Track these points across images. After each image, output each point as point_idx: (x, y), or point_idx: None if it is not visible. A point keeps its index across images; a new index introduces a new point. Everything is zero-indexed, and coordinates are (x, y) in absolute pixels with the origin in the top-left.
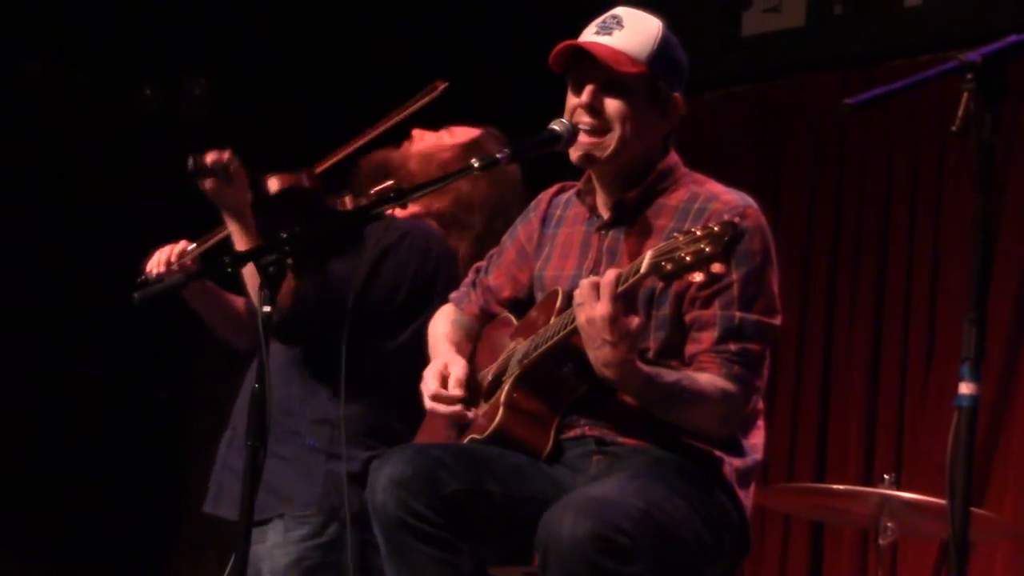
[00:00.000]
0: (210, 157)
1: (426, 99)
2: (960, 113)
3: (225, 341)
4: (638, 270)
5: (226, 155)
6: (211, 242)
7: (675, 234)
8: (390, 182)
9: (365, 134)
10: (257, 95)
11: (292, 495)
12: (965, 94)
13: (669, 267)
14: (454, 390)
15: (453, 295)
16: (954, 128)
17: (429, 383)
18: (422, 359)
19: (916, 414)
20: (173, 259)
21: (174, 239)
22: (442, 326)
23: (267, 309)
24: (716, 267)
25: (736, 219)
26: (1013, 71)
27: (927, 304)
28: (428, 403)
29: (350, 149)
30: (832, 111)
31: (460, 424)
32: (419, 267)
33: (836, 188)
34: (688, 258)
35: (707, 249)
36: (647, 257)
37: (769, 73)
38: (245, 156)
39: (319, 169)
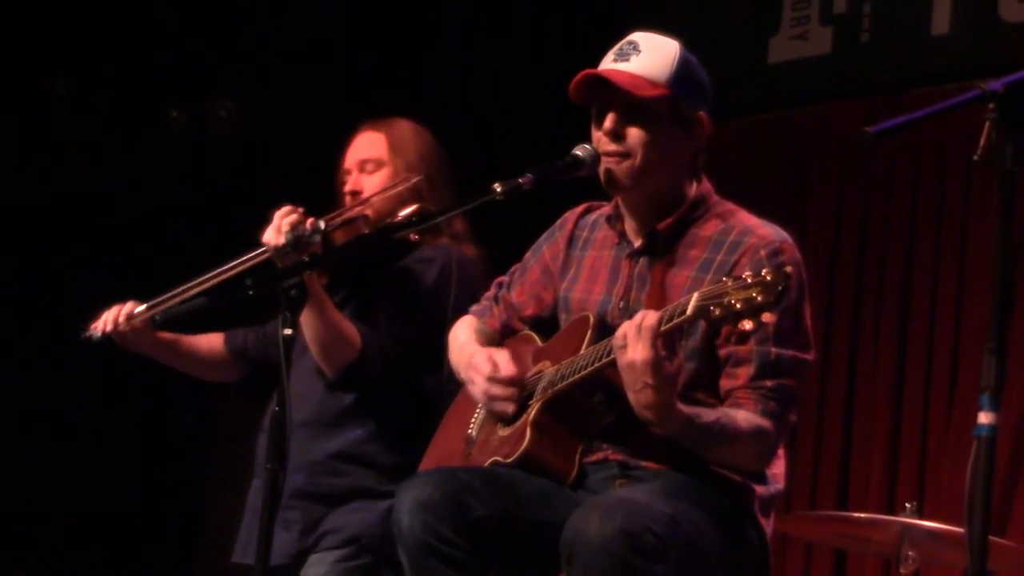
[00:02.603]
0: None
1: (399, 188)
2: (982, 142)
3: (211, 381)
4: (684, 312)
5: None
6: (160, 304)
7: (724, 278)
8: (414, 206)
9: (356, 205)
10: (284, 117)
11: (335, 528)
12: (987, 123)
13: (717, 312)
14: (508, 370)
15: (474, 308)
16: (977, 157)
17: (483, 366)
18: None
19: (939, 443)
20: (121, 319)
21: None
22: (464, 334)
23: (288, 332)
24: (767, 316)
25: (780, 264)
26: None
27: (951, 332)
28: (482, 386)
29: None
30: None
31: (492, 420)
32: (466, 301)
33: (862, 216)
34: (738, 305)
35: (759, 299)
36: (693, 299)
37: (795, 100)
38: (272, 180)
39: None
